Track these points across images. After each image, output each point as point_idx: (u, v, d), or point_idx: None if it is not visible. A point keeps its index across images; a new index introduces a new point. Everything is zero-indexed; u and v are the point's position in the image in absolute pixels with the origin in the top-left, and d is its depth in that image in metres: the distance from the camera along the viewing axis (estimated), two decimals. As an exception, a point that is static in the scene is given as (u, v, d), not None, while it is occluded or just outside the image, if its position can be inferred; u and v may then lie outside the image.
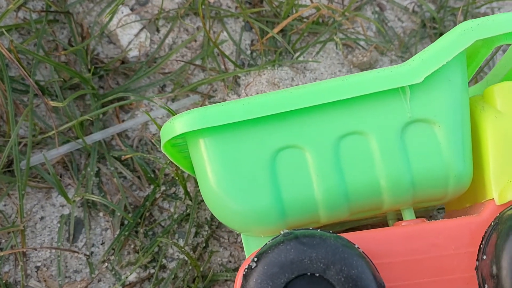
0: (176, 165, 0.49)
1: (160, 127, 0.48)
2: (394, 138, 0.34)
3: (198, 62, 0.59)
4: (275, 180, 0.34)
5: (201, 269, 0.48)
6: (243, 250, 0.51)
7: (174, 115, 0.49)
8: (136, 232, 0.51)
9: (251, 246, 0.38)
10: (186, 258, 0.49)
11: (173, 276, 0.48)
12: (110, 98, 0.53)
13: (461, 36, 0.34)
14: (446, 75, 0.34)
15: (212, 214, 0.52)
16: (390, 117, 0.34)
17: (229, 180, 0.34)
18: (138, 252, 0.49)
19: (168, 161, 0.48)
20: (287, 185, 0.34)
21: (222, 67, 0.58)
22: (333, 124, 0.34)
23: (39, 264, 0.49)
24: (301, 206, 0.34)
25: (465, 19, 0.63)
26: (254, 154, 0.34)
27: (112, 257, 0.49)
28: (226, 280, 0.49)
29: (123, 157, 0.51)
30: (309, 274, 0.30)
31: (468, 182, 0.35)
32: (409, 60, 0.35)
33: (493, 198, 0.34)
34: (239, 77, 0.58)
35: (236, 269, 0.50)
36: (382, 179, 0.34)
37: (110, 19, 0.56)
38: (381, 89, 0.33)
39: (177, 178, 0.49)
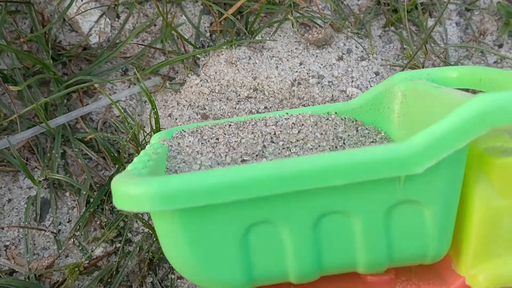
0: (137, 144, 0.51)
1: (121, 111, 0.50)
2: (380, 219, 0.31)
3: (159, 46, 0.60)
4: (246, 255, 0.30)
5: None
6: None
7: (117, 107, 0.51)
8: (102, 209, 0.52)
9: None
10: (150, 232, 0.51)
11: (138, 249, 0.50)
12: (72, 81, 0.55)
13: (479, 120, 0.28)
14: (448, 159, 0.29)
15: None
16: (378, 198, 0.30)
17: (197, 255, 0.30)
18: (104, 228, 0.51)
19: (128, 139, 0.50)
20: (260, 262, 0.31)
21: (182, 49, 0.60)
22: (314, 203, 0.30)
23: (7, 243, 0.50)
24: (273, 279, 0.32)
25: (416, -6, 0.65)
26: (225, 229, 0.29)
27: (78, 233, 0.51)
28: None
29: (86, 138, 0.53)
30: None
31: (444, 254, 0.33)
32: (412, 139, 0.29)
33: (464, 276, 0.33)
34: (198, 58, 0.60)
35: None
36: (361, 256, 0.32)
37: (69, 6, 0.57)
38: (376, 177, 0.28)
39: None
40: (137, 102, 0.59)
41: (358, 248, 0.31)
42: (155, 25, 0.61)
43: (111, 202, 0.53)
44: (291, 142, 0.41)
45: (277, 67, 0.58)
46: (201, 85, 0.57)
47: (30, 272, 0.48)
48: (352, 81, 0.58)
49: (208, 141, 0.42)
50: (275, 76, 0.56)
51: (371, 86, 0.58)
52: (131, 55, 0.60)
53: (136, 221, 0.52)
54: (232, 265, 0.30)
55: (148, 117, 0.57)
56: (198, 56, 0.60)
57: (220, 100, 0.56)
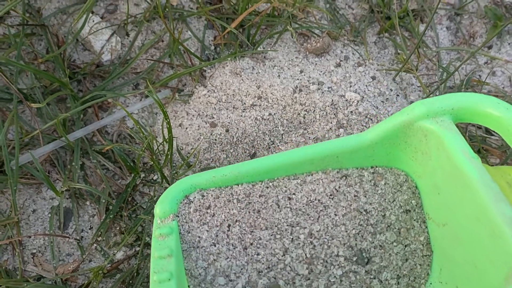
0: (152, 152, 0.55)
1: (136, 121, 0.53)
2: None
3: (167, 60, 0.64)
4: None
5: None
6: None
7: (131, 117, 0.54)
8: (121, 216, 0.56)
9: None
10: (167, 235, 0.54)
11: (156, 251, 0.53)
12: (87, 97, 0.59)
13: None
14: None
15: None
16: None
17: None
18: (123, 233, 0.55)
19: (144, 148, 0.54)
20: None
21: (189, 63, 0.64)
22: None
23: (34, 251, 0.54)
24: None
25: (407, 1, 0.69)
26: None
27: (100, 238, 0.54)
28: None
29: (104, 149, 0.56)
30: None
31: None
32: None
33: None
34: (204, 70, 0.63)
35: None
36: None
37: (82, 27, 0.61)
38: None
39: (154, 164, 0.54)
40: (148, 114, 0.63)
41: None
42: (162, 41, 0.65)
43: (129, 209, 0.56)
44: (312, 236, 0.41)
45: (279, 75, 0.62)
46: (209, 95, 0.61)
47: (57, 277, 0.52)
48: (350, 86, 0.61)
49: (219, 225, 0.41)
50: (278, 84, 0.60)
51: (368, 90, 0.62)
52: (141, 70, 0.64)
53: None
54: None
55: (160, 127, 0.60)
56: (204, 68, 0.63)
57: (227, 109, 0.60)
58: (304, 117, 0.58)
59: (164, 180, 0.57)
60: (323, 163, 0.45)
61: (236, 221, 0.42)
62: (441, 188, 0.41)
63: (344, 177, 0.44)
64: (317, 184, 0.44)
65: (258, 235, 0.41)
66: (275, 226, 0.42)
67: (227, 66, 0.63)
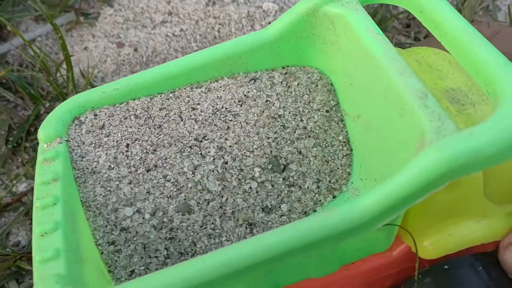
0: (49, 73, 0.50)
1: (35, 51, 0.48)
2: (331, 252, 0.33)
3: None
4: None
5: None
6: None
7: (25, 41, 0.49)
8: (24, 148, 0.51)
9: None
10: (74, 163, 0.50)
11: (63, 181, 0.49)
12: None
13: (437, 182, 0.25)
14: None
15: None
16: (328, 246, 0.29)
17: None
18: (25, 165, 0.50)
19: (39, 68, 0.49)
20: None
21: (95, -17, 0.59)
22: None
23: None
24: None
25: None
26: None
27: (-3, 170, 0.50)
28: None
29: (0, 74, 0.51)
30: None
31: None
32: (360, 206, 0.27)
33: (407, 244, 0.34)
34: (112, -9, 0.59)
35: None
36: (314, 273, 0.33)
37: None
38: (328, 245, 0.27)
39: (51, 85, 0.50)
40: (53, 41, 0.58)
41: (311, 269, 0.32)
42: (64, -38, 0.60)
43: (32, 140, 0.52)
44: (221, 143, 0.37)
45: (191, -10, 0.57)
46: (115, 15, 0.56)
47: (-47, 215, 0.47)
48: (269, -3, 0.57)
49: (116, 146, 0.37)
50: (189, -2, 0.56)
51: (289, 1, 0.58)
52: (43, -6, 0.58)
53: (59, 155, 0.51)
54: None
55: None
56: (112, -12, 0.59)
57: (135, 28, 0.55)
58: (218, 31, 0.54)
59: (69, 107, 0.52)
60: (227, 66, 0.40)
61: (136, 139, 0.37)
62: (352, 78, 0.39)
63: (253, 81, 0.40)
64: (224, 90, 0.40)
65: (162, 153, 0.37)
66: (180, 142, 0.37)
67: (136, -16, 0.58)
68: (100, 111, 0.37)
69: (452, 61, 0.39)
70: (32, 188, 0.49)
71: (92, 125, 0.37)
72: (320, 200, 0.36)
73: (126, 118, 0.37)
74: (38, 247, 0.28)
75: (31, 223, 0.48)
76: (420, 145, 0.28)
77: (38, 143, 0.51)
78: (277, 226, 0.34)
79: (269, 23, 0.54)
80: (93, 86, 0.53)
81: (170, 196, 0.35)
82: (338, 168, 0.38)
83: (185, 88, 0.40)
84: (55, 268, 0.27)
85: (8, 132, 0.52)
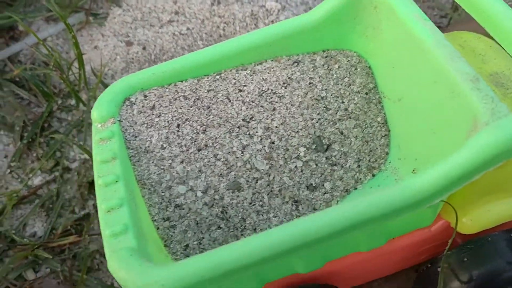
0: (62, 71, 0.52)
1: (48, 49, 0.50)
2: (380, 228, 0.34)
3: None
4: (259, 278, 0.33)
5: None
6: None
7: (39, 40, 0.51)
8: (39, 143, 0.54)
9: None
10: (87, 157, 0.52)
11: (77, 175, 0.51)
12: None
13: (491, 162, 0.28)
14: None
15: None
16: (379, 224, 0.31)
17: None
18: (40, 159, 0.52)
19: (53, 66, 0.51)
20: (270, 274, 0.33)
21: (103, -15, 0.61)
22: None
23: None
24: (281, 277, 0.34)
25: None
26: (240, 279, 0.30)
27: (13, 164, 0.52)
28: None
29: (14, 74, 0.53)
30: None
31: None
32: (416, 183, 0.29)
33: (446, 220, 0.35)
34: (120, -9, 0.61)
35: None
36: (363, 247, 0.35)
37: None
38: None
39: (65, 83, 0.52)
40: (64, 41, 0.60)
41: (361, 243, 0.34)
42: (73, -36, 0.62)
43: (46, 135, 0.54)
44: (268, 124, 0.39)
45: (197, -10, 0.59)
46: (124, 15, 0.58)
47: (-28, 208, 0.49)
48: (271, -4, 0.59)
49: (168, 126, 0.38)
50: (195, -2, 0.58)
51: (290, 0, 0.60)
52: (53, -5, 0.61)
53: (73, 149, 0.53)
54: (250, 286, 0.32)
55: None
56: (120, -11, 0.61)
57: (143, 27, 0.57)
58: (223, 30, 0.57)
59: (80, 103, 0.54)
60: (271, 50, 0.42)
61: (186, 120, 0.38)
62: (394, 62, 0.40)
63: (296, 64, 0.42)
64: (268, 73, 0.41)
65: (212, 134, 0.38)
66: (229, 122, 0.39)
67: (143, -15, 0.60)
68: (150, 92, 0.39)
69: (493, 46, 0.40)
70: (47, 182, 0.52)
71: (143, 106, 0.39)
72: (360, 179, 0.38)
73: (175, 99, 0.39)
74: (106, 222, 0.30)
75: (46, 215, 0.50)
76: (473, 127, 0.30)
77: (52, 138, 0.54)
78: (320, 204, 0.36)
79: (272, 21, 0.56)
80: (103, 84, 0.55)
81: (221, 174, 0.36)
82: (377, 148, 0.40)
83: (230, 71, 0.41)
84: (125, 242, 0.29)
85: (23, 128, 0.54)
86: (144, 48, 0.56)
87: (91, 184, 0.51)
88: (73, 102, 0.56)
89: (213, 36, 0.57)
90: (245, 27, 0.56)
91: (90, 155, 0.50)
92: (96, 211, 0.50)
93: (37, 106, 0.56)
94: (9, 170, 0.52)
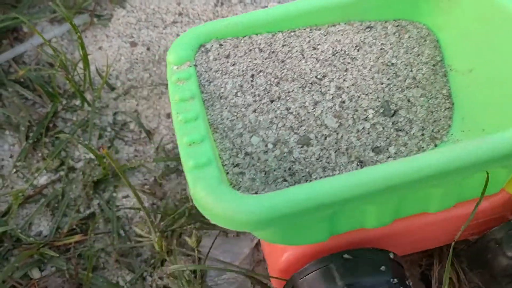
0: (67, 71, 0.52)
1: (54, 49, 0.51)
2: (458, 185, 0.34)
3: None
4: (332, 224, 0.34)
5: (105, 160, 0.51)
6: (146, 145, 0.55)
7: (45, 40, 0.52)
8: (44, 143, 0.54)
9: None
10: (92, 156, 0.53)
11: (82, 174, 0.52)
12: (0, 26, 0.56)
13: None
14: None
15: (114, 117, 0.56)
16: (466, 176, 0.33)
17: (291, 235, 0.33)
18: (46, 159, 0.53)
19: (58, 67, 0.51)
20: (341, 224, 0.34)
21: (107, -14, 0.61)
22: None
23: (-48, 183, 0.51)
24: (350, 230, 0.36)
25: None
26: (315, 218, 0.32)
27: (19, 163, 0.52)
28: (132, 168, 0.53)
29: (19, 75, 0.54)
30: None
31: None
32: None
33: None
34: (123, -7, 0.61)
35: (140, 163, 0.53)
36: (435, 206, 0.36)
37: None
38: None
39: (70, 83, 0.52)
40: (68, 42, 0.60)
41: (433, 201, 0.34)
42: (77, -34, 0.62)
43: (51, 136, 0.54)
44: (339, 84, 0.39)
45: (200, -9, 0.60)
46: (128, 16, 0.59)
47: (-22, 207, 0.50)
48: (274, -3, 0.60)
49: (242, 75, 0.39)
50: (198, 0, 0.58)
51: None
52: (58, -3, 0.61)
53: (78, 149, 0.53)
54: (320, 234, 0.33)
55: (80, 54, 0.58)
56: (123, -10, 0.61)
57: (147, 28, 0.58)
58: (227, 31, 0.57)
59: (85, 103, 0.55)
60: (344, 13, 0.43)
61: (260, 71, 0.39)
62: (470, 33, 0.41)
63: (369, 29, 0.43)
64: (342, 35, 0.42)
65: (286, 87, 0.39)
66: (302, 78, 0.39)
67: (147, -14, 0.60)
68: (225, 42, 0.40)
69: None
70: (53, 181, 0.52)
71: (218, 54, 0.39)
72: (423, 147, 0.38)
73: (250, 50, 0.40)
74: (188, 154, 0.31)
75: (52, 214, 0.50)
76: None
77: (57, 138, 0.54)
78: None
79: (275, 22, 0.57)
80: (108, 84, 0.55)
81: (291, 127, 0.37)
82: (440, 119, 0.40)
83: (304, 29, 0.42)
84: (209, 172, 0.30)
85: (28, 129, 0.54)
86: (148, 49, 0.56)
87: (96, 183, 0.52)
88: (78, 102, 0.56)
89: (216, 36, 0.57)
90: (248, 28, 0.57)
91: (96, 154, 0.50)
92: (101, 209, 0.50)
93: (42, 107, 0.56)
94: (14, 170, 0.52)
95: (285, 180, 0.35)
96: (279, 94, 0.38)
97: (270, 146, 0.36)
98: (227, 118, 0.36)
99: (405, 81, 0.41)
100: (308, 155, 0.36)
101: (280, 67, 0.39)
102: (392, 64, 0.41)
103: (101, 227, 0.49)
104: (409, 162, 0.30)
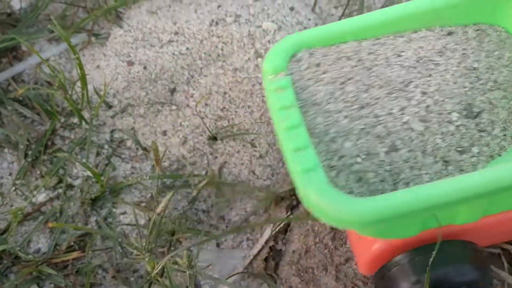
0: (65, 91, 0.54)
1: (52, 69, 0.52)
2: None
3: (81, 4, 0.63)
4: (425, 222, 0.37)
5: (103, 178, 0.52)
6: (143, 162, 0.56)
7: (43, 60, 0.53)
8: (43, 161, 0.55)
9: None
10: (90, 174, 0.54)
11: (80, 192, 0.53)
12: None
13: None
14: None
15: (111, 135, 0.57)
16: None
17: (387, 231, 0.37)
18: (44, 177, 0.54)
19: (57, 86, 0.53)
20: (433, 221, 0.37)
21: (104, 5, 0.63)
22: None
23: (-48, 201, 0.52)
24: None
25: None
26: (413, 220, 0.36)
27: (18, 182, 0.53)
28: (129, 185, 0.54)
29: (17, 93, 0.55)
30: None
31: None
32: None
33: None
34: (121, 12, 0.62)
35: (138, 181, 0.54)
36: None
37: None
38: None
39: (68, 101, 0.53)
40: (66, 61, 0.61)
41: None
42: (75, -14, 0.64)
43: (50, 153, 0.55)
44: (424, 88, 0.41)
45: (195, 11, 0.61)
46: (125, 35, 0.60)
47: (-23, 225, 0.51)
48: (268, 17, 0.61)
49: (333, 82, 0.41)
50: (194, 19, 0.59)
51: (286, 20, 0.62)
52: (56, 16, 0.62)
53: (76, 167, 0.54)
54: (413, 230, 0.37)
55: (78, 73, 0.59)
56: (120, 10, 0.62)
57: (144, 47, 0.59)
58: (222, 50, 0.58)
59: (82, 121, 0.56)
60: (425, 19, 0.44)
61: (349, 78, 0.41)
62: None
63: (450, 34, 0.44)
64: (424, 41, 0.44)
65: (374, 94, 0.40)
66: (389, 85, 0.41)
67: (143, 5, 0.62)
68: (315, 51, 0.42)
69: None
70: (51, 199, 0.53)
71: (309, 63, 0.41)
72: (504, 146, 0.40)
73: (339, 59, 0.42)
74: (294, 159, 0.34)
75: (50, 231, 0.51)
76: None
77: (55, 156, 0.55)
78: (467, 166, 0.39)
79: (269, 41, 0.58)
80: (106, 102, 0.57)
81: (379, 135, 0.38)
82: None
83: (388, 37, 0.44)
84: (317, 177, 0.33)
85: (26, 147, 0.55)
86: (145, 68, 0.57)
87: (94, 200, 0.53)
88: (75, 120, 0.57)
89: (211, 55, 0.58)
90: (243, 46, 0.58)
91: (93, 172, 0.51)
92: (99, 226, 0.51)
93: (41, 125, 0.57)
94: (13, 188, 0.53)
95: (378, 180, 0.37)
96: (368, 100, 0.40)
97: (361, 149, 0.38)
98: (321, 123, 0.38)
99: (487, 84, 0.42)
100: (395, 160, 0.38)
101: (367, 75, 0.41)
102: (474, 68, 0.43)
103: (98, 244, 0.50)
104: (506, 170, 0.34)
